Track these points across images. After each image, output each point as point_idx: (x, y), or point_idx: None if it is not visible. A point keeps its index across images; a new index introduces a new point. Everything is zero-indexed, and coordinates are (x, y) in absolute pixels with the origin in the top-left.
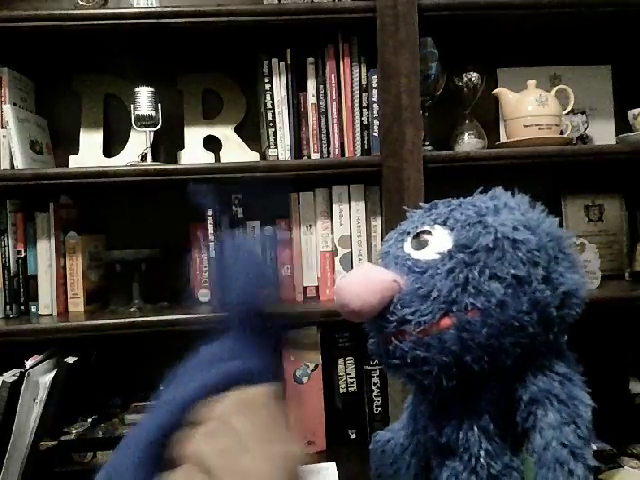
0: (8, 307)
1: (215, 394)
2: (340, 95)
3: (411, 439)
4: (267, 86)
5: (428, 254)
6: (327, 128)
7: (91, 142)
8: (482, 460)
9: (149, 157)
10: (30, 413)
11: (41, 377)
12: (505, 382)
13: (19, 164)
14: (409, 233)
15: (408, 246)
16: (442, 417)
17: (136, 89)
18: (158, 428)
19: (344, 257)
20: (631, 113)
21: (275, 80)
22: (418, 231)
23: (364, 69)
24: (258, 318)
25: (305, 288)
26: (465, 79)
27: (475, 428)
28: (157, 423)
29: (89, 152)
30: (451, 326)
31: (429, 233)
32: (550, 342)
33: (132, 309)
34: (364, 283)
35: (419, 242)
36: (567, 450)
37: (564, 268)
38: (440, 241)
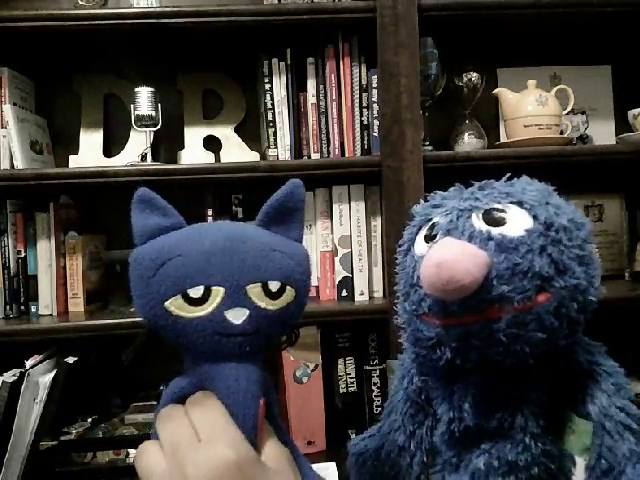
0: (8, 307)
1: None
2: (340, 95)
3: (411, 438)
4: (267, 86)
5: (512, 231)
6: (327, 128)
7: (91, 142)
8: (528, 441)
9: (149, 157)
10: (30, 413)
11: (41, 377)
12: (557, 359)
13: (19, 164)
14: (470, 210)
15: (479, 222)
16: (492, 401)
17: (136, 89)
18: None
19: (344, 257)
20: (631, 113)
21: (275, 80)
22: (487, 208)
23: (364, 69)
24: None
25: None
26: (465, 79)
27: (528, 410)
28: None
29: (89, 152)
30: (548, 301)
31: (502, 211)
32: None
33: (132, 309)
34: (470, 258)
35: (494, 219)
36: (624, 413)
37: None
38: (519, 219)
